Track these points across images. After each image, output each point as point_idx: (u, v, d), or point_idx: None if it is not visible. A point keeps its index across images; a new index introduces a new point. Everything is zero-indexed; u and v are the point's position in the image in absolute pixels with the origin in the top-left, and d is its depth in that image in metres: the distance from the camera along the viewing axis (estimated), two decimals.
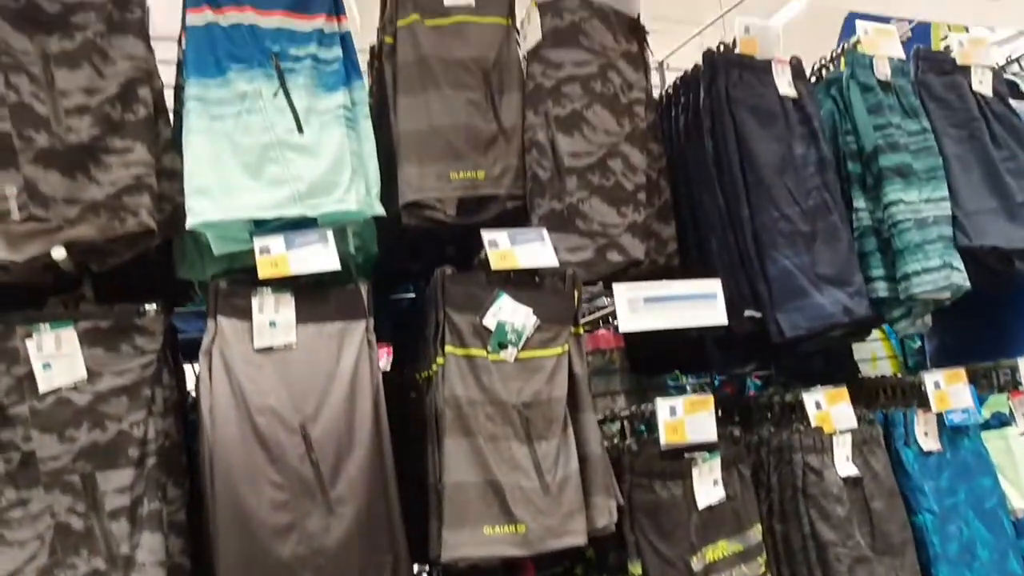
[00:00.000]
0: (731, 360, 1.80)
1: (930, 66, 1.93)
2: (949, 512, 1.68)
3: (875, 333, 2.77)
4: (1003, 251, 1.87)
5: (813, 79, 1.90)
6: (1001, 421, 1.88)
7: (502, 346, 1.33)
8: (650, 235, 1.68)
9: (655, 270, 1.66)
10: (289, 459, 1.19)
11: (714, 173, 1.68)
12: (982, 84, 1.96)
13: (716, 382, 2.35)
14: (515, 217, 1.50)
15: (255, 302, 1.25)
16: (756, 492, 1.58)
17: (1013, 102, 2.04)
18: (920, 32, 2.66)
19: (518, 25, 1.58)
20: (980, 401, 1.89)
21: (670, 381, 2.28)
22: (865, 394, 1.91)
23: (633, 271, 1.58)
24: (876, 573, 1.51)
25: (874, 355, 2.74)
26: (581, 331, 1.42)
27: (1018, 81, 2.32)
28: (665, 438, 1.46)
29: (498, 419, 1.29)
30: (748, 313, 1.63)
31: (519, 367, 1.33)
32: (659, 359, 2.02)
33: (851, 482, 1.57)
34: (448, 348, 1.32)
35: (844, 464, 1.56)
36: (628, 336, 2.14)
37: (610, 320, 2.12)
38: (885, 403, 1.86)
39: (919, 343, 2.59)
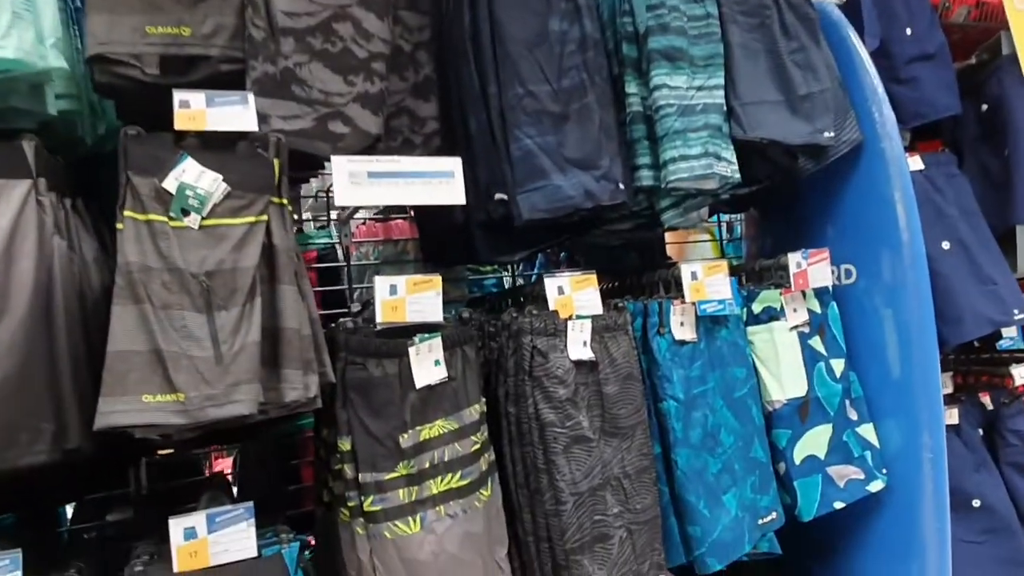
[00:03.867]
0: (498, 248, 1.76)
1: None
2: (696, 400, 1.71)
3: (704, 235, 2.79)
4: (786, 145, 1.85)
5: None
6: (770, 316, 1.90)
7: (185, 212, 1.26)
8: (402, 112, 1.61)
9: (410, 150, 1.60)
10: None
11: (470, 48, 1.59)
12: None
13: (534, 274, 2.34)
14: (237, 82, 1.40)
15: None
16: (497, 376, 1.57)
17: None
18: None
19: None
20: (752, 296, 1.90)
21: (469, 272, 2.24)
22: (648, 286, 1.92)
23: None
24: (596, 453, 1.52)
25: (702, 256, 2.76)
26: (285, 201, 1.35)
27: None
28: (382, 316, 1.42)
29: (175, 287, 1.23)
30: (498, 196, 1.59)
31: (204, 235, 1.26)
32: (448, 249, 1.97)
33: (586, 366, 1.56)
34: (127, 213, 1.24)
35: (578, 348, 1.55)
36: (420, 225, 2.09)
37: (407, 210, 2.06)
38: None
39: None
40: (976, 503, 2.02)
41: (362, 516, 1.39)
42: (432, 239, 2.05)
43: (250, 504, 1.33)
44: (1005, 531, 2.03)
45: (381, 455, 1.40)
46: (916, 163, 2.01)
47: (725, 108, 1.75)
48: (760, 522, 1.75)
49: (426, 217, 1.98)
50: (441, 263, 2.09)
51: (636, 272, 1.99)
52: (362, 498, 1.39)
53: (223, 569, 1.29)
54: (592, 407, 1.56)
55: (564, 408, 1.50)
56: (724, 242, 2.67)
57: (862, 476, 1.91)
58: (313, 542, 1.71)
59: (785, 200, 2.23)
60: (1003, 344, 2.14)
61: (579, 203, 1.55)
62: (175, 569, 1.26)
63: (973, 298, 1.89)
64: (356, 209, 2.02)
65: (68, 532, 1.71)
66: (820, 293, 1.98)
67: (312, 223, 2.31)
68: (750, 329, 1.89)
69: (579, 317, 1.57)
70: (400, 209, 2.10)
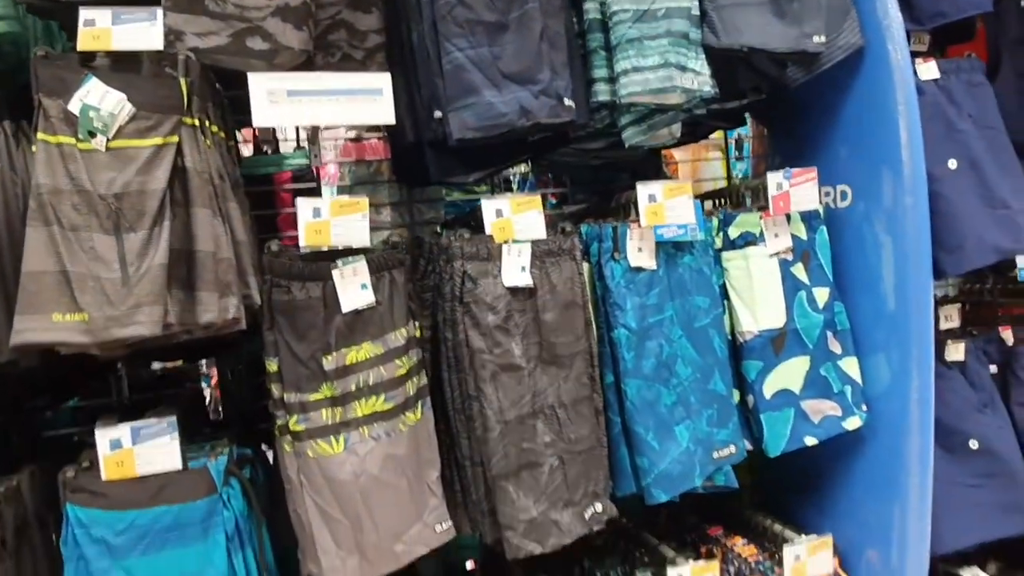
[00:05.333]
0: (450, 168, 1.69)
1: None
2: (651, 329, 1.63)
3: (715, 153, 2.62)
4: (770, 52, 1.67)
5: None
6: (747, 241, 1.77)
7: (91, 134, 1.26)
8: (339, 25, 1.54)
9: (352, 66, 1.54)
10: None
11: None
12: None
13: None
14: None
15: None
16: (436, 301, 1.54)
17: None
18: None
19: None
20: (729, 219, 1.78)
21: (446, 193, 2.19)
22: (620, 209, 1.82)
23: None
24: (528, 382, 1.49)
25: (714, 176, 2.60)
26: (196, 122, 1.33)
27: None
28: (305, 239, 1.41)
29: (83, 209, 1.25)
30: (436, 114, 1.52)
31: (111, 157, 1.26)
32: (414, 169, 1.92)
33: (523, 293, 1.51)
34: (40, 135, 1.25)
35: (514, 274, 1.49)
36: (393, 145, 2.03)
37: (381, 129, 2.00)
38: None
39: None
40: (974, 445, 1.88)
41: (289, 434, 1.42)
42: (398, 159, 2.00)
43: (173, 418, 1.38)
44: (1005, 475, 1.89)
45: (305, 376, 1.41)
46: (931, 71, 1.78)
47: (696, 12, 1.59)
48: (715, 455, 1.69)
49: (391, 137, 1.93)
50: (410, 184, 2.05)
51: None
52: (288, 417, 1.42)
53: (148, 479, 1.36)
54: (529, 335, 1.52)
55: (493, 335, 1.46)
56: (733, 159, 2.50)
57: (839, 412, 1.81)
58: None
59: (790, 114, 2.04)
60: (1023, 274, 1.93)
61: (513, 121, 1.46)
62: (103, 477, 1.34)
63: (978, 223, 1.69)
64: (320, 129, 1.99)
65: (53, 436, 1.84)
66: (808, 217, 1.83)
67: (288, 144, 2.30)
68: (725, 255, 1.78)
69: (516, 241, 1.51)
70: (375, 128, 2.05)
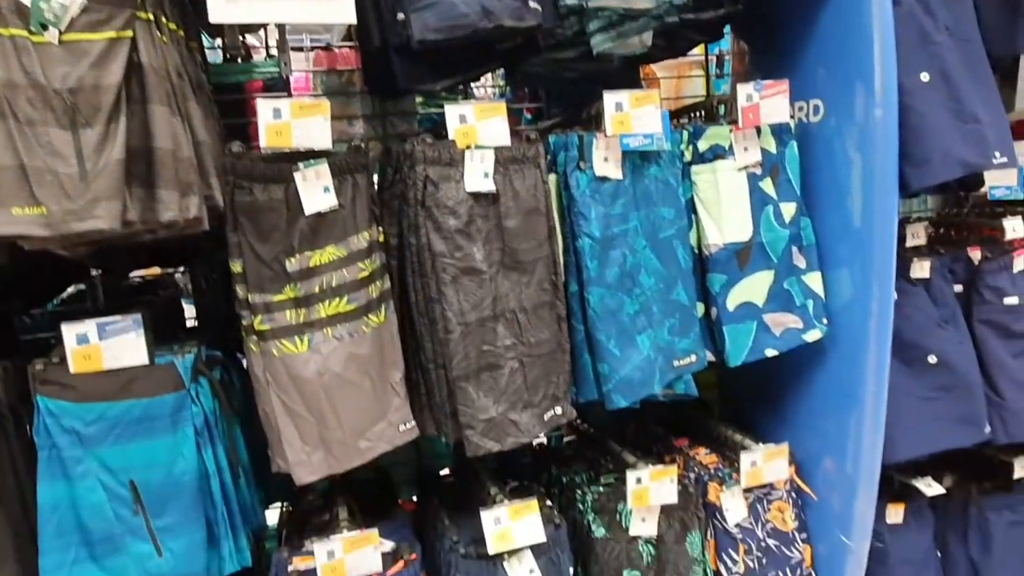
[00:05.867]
0: (418, 75, 1.68)
1: None
2: (615, 238, 1.65)
3: (697, 71, 2.58)
4: None
5: None
6: (716, 154, 1.77)
7: (43, 26, 1.24)
8: None
9: None
10: None
11: None
12: None
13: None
14: None
15: None
16: (402, 205, 1.55)
17: None
18: None
19: None
20: (699, 132, 1.77)
21: (421, 106, 2.17)
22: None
23: None
24: (489, 286, 1.51)
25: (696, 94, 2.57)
26: (150, 17, 1.31)
27: None
28: (266, 141, 1.41)
29: (39, 104, 1.24)
30: (399, 16, 1.50)
31: (64, 50, 1.25)
32: (388, 77, 1.90)
33: (486, 198, 1.52)
34: None
35: (476, 180, 1.50)
36: (362, 54, 2.00)
37: (352, 37, 1.97)
38: None
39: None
40: (932, 359, 1.93)
41: (255, 334, 1.46)
42: (368, 69, 1.97)
43: (139, 316, 1.41)
44: (961, 389, 1.94)
45: (268, 277, 1.44)
46: None
47: None
48: (676, 364, 1.73)
49: (360, 44, 1.90)
50: (381, 95, 2.03)
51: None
52: (253, 317, 1.45)
53: (116, 373, 1.40)
54: (491, 239, 1.53)
55: (454, 239, 1.48)
56: (714, 77, 2.46)
57: (800, 325, 1.85)
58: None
59: (769, 29, 2.01)
60: (995, 193, 1.93)
61: (475, 22, 1.44)
62: (71, 370, 1.38)
63: (947, 137, 1.69)
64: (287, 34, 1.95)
65: (30, 340, 1.88)
66: (779, 131, 1.82)
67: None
68: (694, 168, 1.78)
69: (479, 147, 1.51)
70: (347, 36, 2.02)
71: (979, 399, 1.97)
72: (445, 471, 2.28)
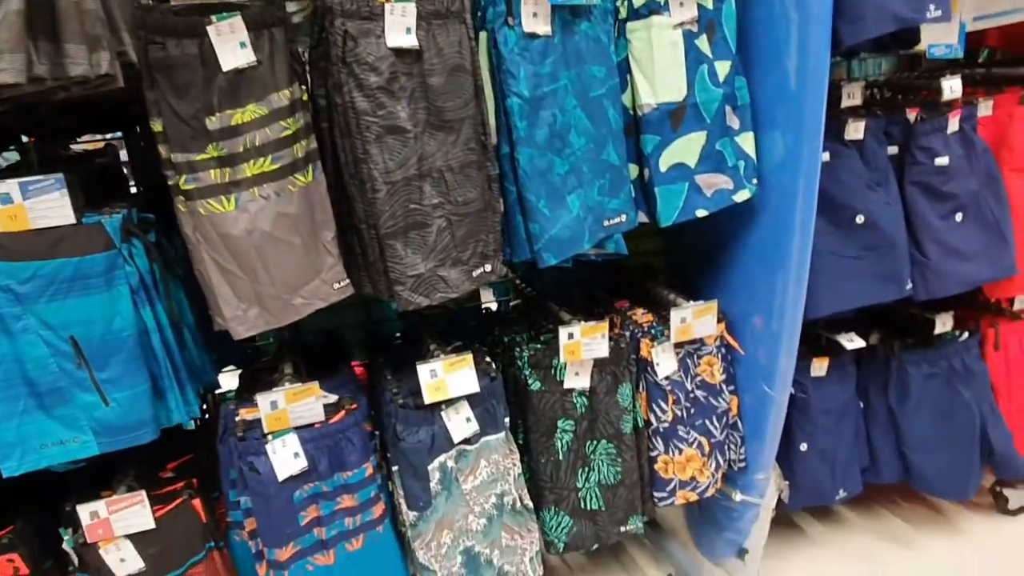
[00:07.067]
0: None
1: None
2: (545, 98, 1.65)
3: None
4: None
5: None
6: (651, 10, 1.73)
7: None
8: None
9: None
10: None
11: None
12: None
13: None
14: None
15: None
16: (326, 65, 1.53)
17: None
18: None
19: None
20: None
21: None
22: None
23: None
24: (414, 144, 1.52)
25: None
26: None
27: None
28: None
29: None
30: None
31: None
32: None
33: (410, 55, 1.50)
34: None
35: (398, 35, 1.48)
36: None
37: None
38: None
39: None
40: (860, 219, 1.98)
41: (181, 194, 1.47)
42: None
43: (60, 176, 1.42)
44: (886, 247, 2.01)
45: (189, 136, 1.43)
46: None
47: None
48: (605, 223, 1.77)
49: None
50: None
51: None
52: (177, 177, 1.46)
53: (45, 233, 1.42)
54: (416, 98, 1.53)
55: (376, 96, 1.47)
56: None
57: (731, 186, 1.88)
58: None
59: None
60: (934, 52, 1.92)
61: None
62: None
63: None
64: None
65: None
66: None
67: None
68: (629, 25, 1.75)
69: (400, 0, 1.48)
70: None
71: (902, 258, 2.05)
72: (397, 335, 2.37)
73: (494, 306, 2.52)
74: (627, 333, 2.05)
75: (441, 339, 1.98)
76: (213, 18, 1.39)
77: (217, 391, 2.11)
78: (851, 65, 2.63)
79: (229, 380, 2.14)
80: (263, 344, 2.33)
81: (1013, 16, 2.04)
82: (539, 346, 1.96)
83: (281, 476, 1.62)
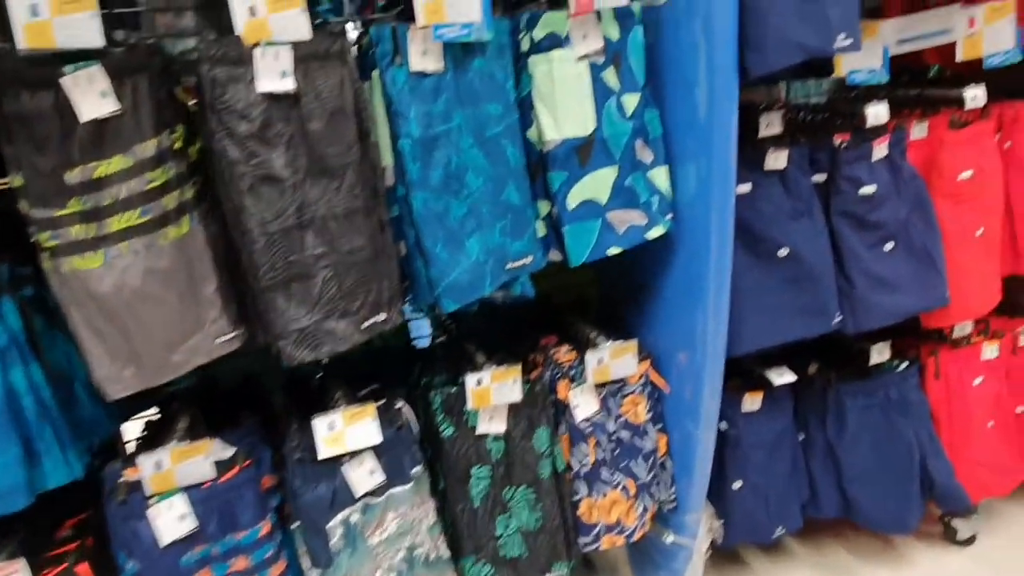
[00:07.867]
0: None
1: None
2: (438, 138, 1.58)
3: None
4: None
5: None
6: (553, 43, 1.67)
7: None
8: None
9: None
10: None
11: None
12: None
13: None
14: None
15: None
16: (204, 112, 1.46)
17: None
18: None
19: None
20: (534, 20, 1.67)
21: None
22: None
23: None
24: (292, 194, 1.45)
25: None
26: None
27: None
28: (26, 42, 1.30)
29: None
30: None
31: None
32: None
33: (287, 100, 1.44)
34: None
35: (271, 80, 1.41)
36: None
37: None
38: None
39: None
40: (783, 252, 1.92)
41: (45, 251, 1.40)
42: None
43: None
44: (811, 280, 1.95)
45: (50, 191, 1.36)
46: None
47: None
48: (508, 266, 1.71)
49: None
50: None
51: None
52: (39, 233, 1.39)
53: None
54: (295, 144, 1.45)
55: (247, 145, 1.40)
56: None
57: (644, 221, 1.82)
58: None
59: None
60: (855, 78, 1.86)
61: None
62: None
63: (785, 18, 1.59)
64: None
65: None
66: (622, 16, 1.72)
67: None
68: (531, 60, 1.68)
69: (271, 44, 1.41)
70: None
71: (829, 290, 1.98)
72: (319, 375, 2.29)
73: (429, 341, 2.45)
74: (547, 374, 1.98)
75: (357, 383, 1.91)
76: (68, 68, 1.32)
77: (126, 441, 2.03)
78: (789, 87, 2.57)
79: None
80: (188, 385, 2.25)
81: (939, 39, 1.99)
82: (452, 389, 1.89)
83: (164, 541, 1.54)
